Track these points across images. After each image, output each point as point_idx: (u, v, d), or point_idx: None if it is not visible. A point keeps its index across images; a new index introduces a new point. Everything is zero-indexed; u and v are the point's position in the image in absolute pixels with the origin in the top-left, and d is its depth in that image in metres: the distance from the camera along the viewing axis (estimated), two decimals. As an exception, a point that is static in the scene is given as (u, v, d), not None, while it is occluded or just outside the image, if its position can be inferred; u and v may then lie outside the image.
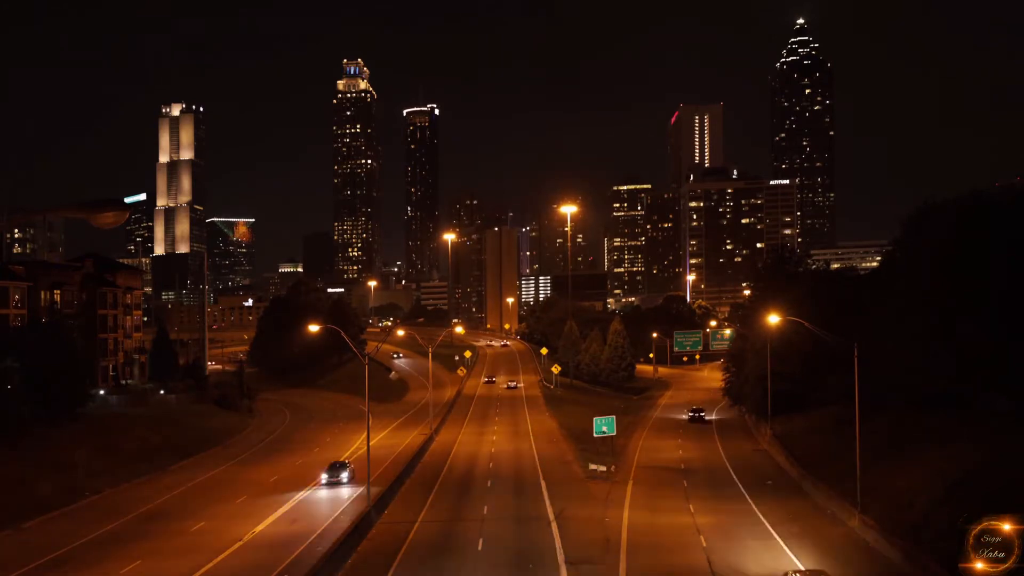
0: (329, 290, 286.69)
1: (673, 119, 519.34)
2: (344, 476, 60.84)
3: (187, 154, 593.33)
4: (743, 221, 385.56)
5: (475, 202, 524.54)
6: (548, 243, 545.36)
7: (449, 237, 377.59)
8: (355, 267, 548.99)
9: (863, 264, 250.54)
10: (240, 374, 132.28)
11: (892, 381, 54.81)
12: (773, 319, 60.65)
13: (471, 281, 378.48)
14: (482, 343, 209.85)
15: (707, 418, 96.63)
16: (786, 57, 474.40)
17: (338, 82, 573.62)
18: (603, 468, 63.93)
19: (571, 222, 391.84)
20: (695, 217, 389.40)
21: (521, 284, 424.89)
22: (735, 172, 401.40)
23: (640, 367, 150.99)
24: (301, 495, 58.17)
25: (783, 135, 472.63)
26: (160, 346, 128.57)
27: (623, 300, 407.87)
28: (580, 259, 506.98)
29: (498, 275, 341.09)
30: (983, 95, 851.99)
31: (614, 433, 69.95)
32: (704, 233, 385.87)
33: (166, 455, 76.24)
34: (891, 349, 53.25)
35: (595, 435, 68.62)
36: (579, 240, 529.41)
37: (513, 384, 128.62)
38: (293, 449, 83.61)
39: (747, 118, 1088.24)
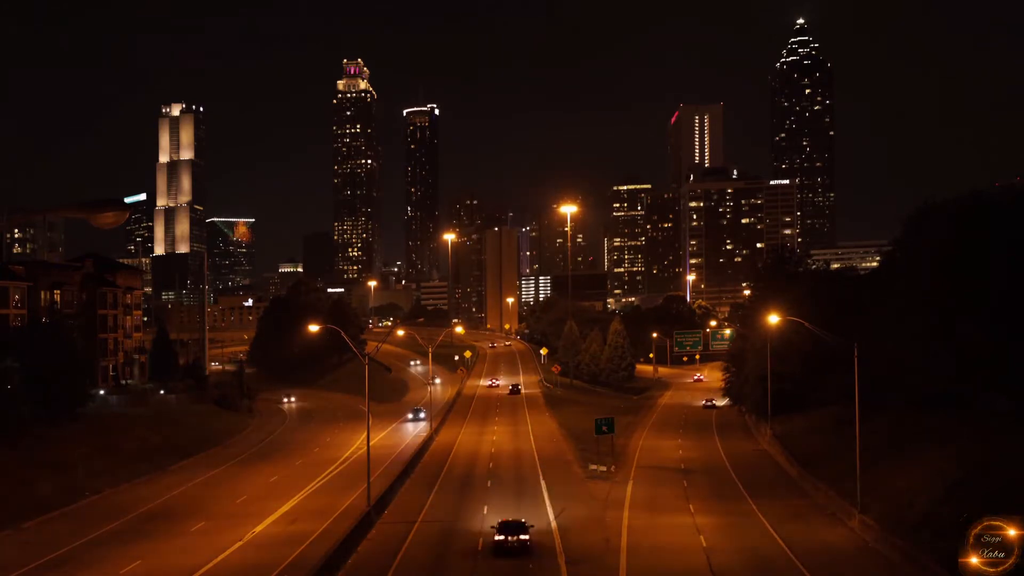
0: (329, 290, 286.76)
1: (673, 119, 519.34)
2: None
3: (187, 154, 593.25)
4: (743, 221, 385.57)
5: (475, 202, 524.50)
6: (548, 243, 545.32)
7: (449, 237, 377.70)
8: (355, 267, 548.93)
9: (863, 264, 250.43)
10: (240, 374, 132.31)
11: (892, 381, 54.81)
12: (773, 319, 60.66)
13: (471, 281, 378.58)
14: (484, 344, 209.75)
15: (718, 404, 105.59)
16: (786, 57, 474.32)
17: (338, 82, 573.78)
18: (603, 468, 63.94)
19: (571, 222, 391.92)
20: (695, 217, 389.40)
21: (521, 284, 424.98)
22: (735, 172, 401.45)
23: (640, 367, 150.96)
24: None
25: (783, 135, 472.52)
26: (160, 346, 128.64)
27: (623, 300, 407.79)
28: (580, 259, 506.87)
29: (498, 275, 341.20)
30: (983, 95, 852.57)
31: (614, 433, 70.00)
32: (704, 233, 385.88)
33: (166, 455, 76.24)
34: (891, 349, 53.24)
35: (595, 435, 68.63)
36: (579, 240, 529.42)
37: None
38: (293, 449, 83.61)
39: (747, 118, 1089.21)
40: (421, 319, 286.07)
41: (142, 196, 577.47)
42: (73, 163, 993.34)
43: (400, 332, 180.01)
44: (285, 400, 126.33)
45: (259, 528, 49.54)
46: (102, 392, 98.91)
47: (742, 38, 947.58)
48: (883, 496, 44.39)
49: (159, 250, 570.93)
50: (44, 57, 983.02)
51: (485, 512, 51.47)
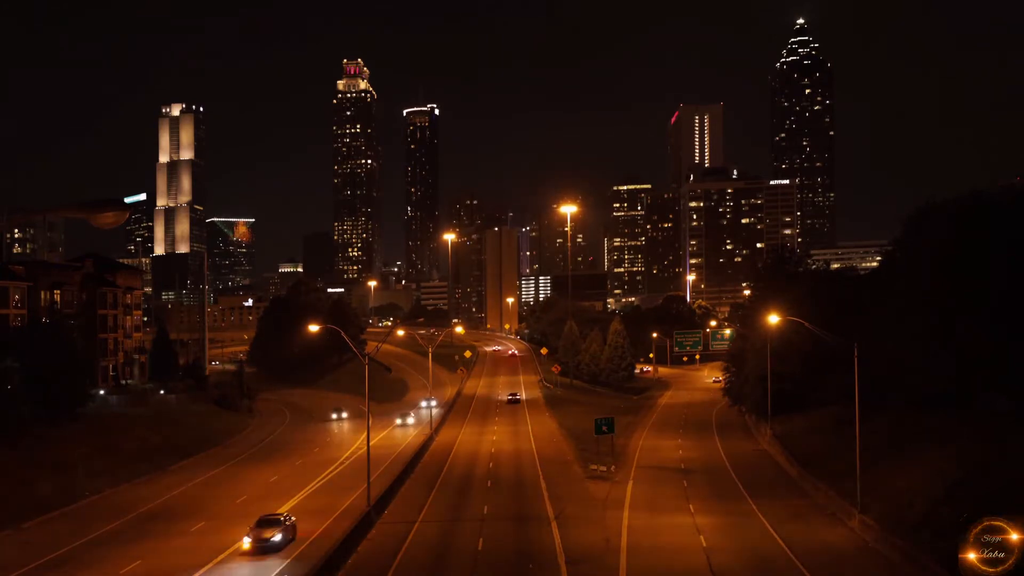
0: (329, 290, 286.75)
1: (673, 119, 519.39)
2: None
3: (187, 154, 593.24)
4: (743, 221, 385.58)
5: (475, 202, 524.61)
6: (548, 243, 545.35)
7: (449, 237, 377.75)
8: (355, 267, 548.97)
9: (863, 264, 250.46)
10: (240, 374, 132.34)
11: (892, 381, 54.80)
12: (773, 319, 60.64)
13: (471, 281, 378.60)
14: (484, 344, 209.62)
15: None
16: (786, 57, 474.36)
17: (338, 82, 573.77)
18: (603, 468, 63.93)
19: (571, 222, 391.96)
20: (695, 217, 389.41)
21: (521, 284, 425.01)
22: (735, 172, 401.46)
23: (640, 367, 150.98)
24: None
25: (783, 135, 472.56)
26: (160, 346, 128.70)
27: (623, 300, 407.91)
28: (580, 259, 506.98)
29: (498, 275, 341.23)
30: (983, 95, 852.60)
31: (614, 433, 69.99)
32: (704, 233, 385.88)
33: (166, 455, 76.25)
34: (891, 349, 53.23)
35: (595, 435, 68.64)
36: (579, 240, 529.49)
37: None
38: (293, 449, 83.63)
39: (747, 118, 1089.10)
40: (421, 319, 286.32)
41: (142, 196, 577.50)
42: (73, 163, 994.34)
43: (400, 332, 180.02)
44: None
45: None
46: (102, 392, 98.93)
47: (742, 38, 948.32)
48: (883, 496, 44.38)
49: (159, 250, 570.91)
50: (44, 57, 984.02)
51: (485, 512, 51.49)
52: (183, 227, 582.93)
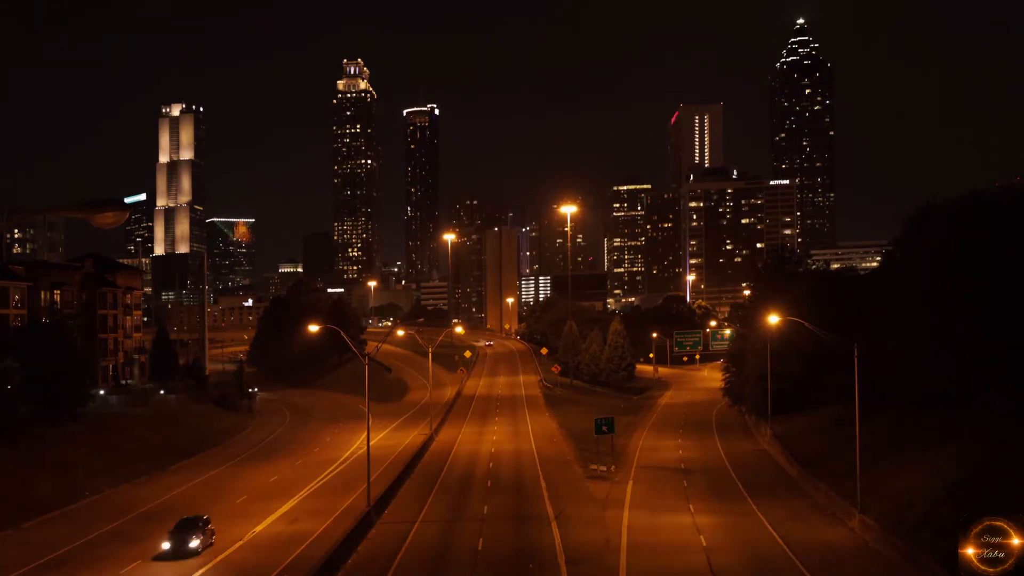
0: (329, 290, 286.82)
1: (673, 119, 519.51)
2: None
3: (187, 154, 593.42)
4: (743, 221, 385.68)
5: (475, 202, 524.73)
6: (548, 243, 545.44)
7: (449, 237, 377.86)
8: (355, 267, 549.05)
9: (863, 264, 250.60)
10: (240, 374, 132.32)
11: (892, 381, 54.78)
12: (773, 319, 60.62)
13: (471, 281, 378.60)
14: (484, 344, 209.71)
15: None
16: (786, 57, 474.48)
17: (338, 82, 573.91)
18: (603, 468, 63.93)
19: (571, 222, 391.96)
20: (695, 217, 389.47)
21: (521, 284, 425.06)
22: (735, 172, 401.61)
23: (640, 367, 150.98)
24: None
25: (783, 135, 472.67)
26: (160, 346, 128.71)
27: (623, 300, 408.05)
28: (580, 259, 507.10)
29: (498, 275, 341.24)
30: (983, 95, 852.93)
31: (614, 433, 69.98)
32: (704, 233, 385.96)
33: (166, 455, 76.24)
34: (891, 349, 53.22)
35: (595, 435, 68.63)
36: (579, 240, 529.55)
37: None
38: (293, 449, 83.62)
39: (747, 118, 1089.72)
40: (421, 319, 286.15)
41: (142, 196, 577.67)
42: (73, 163, 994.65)
43: (400, 332, 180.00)
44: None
45: (259, 528, 49.55)
46: (102, 392, 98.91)
47: (742, 38, 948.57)
48: (883, 496, 44.38)
49: (159, 250, 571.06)
50: (44, 57, 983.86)
51: (485, 512, 51.49)
52: (183, 227, 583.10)
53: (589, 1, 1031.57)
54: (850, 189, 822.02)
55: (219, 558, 43.03)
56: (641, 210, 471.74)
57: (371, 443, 57.23)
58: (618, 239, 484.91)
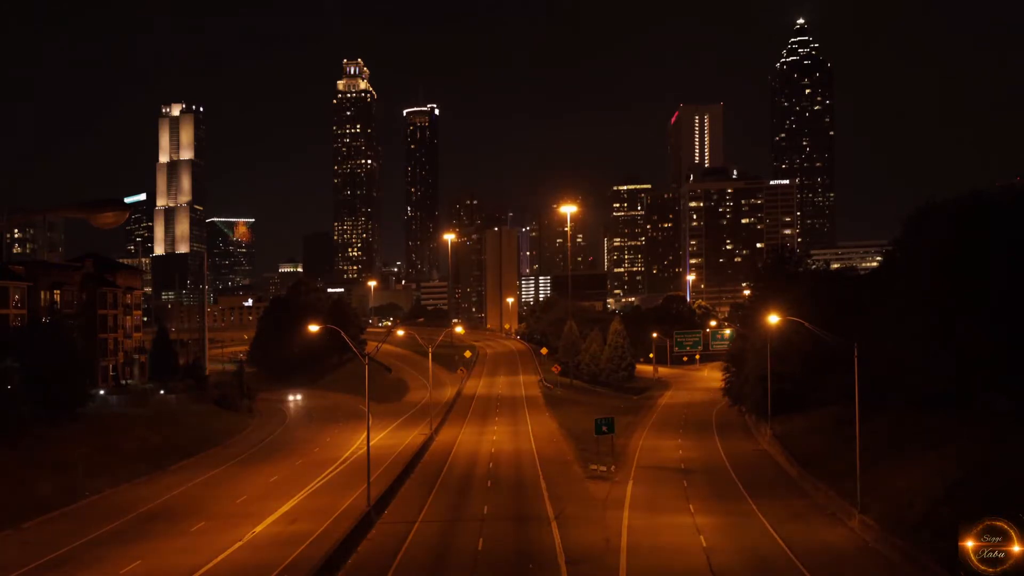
0: (329, 290, 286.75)
1: (673, 119, 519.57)
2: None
3: (187, 154, 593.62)
4: (743, 221, 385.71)
5: (475, 202, 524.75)
6: (548, 243, 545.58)
7: (449, 237, 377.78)
8: (355, 267, 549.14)
9: (863, 264, 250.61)
10: (240, 374, 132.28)
11: (892, 381, 54.77)
12: (773, 319, 60.61)
13: (471, 281, 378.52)
14: (484, 344, 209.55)
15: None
16: (786, 57, 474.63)
17: (338, 82, 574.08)
18: (603, 468, 63.91)
19: (571, 222, 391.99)
20: (695, 217, 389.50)
21: (521, 284, 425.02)
22: (735, 172, 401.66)
23: (640, 367, 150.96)
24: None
25: (783, 135, 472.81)
26: (160, 346, 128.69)
27: (623, 300, 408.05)
28: (580, 259, 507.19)
29: (498, 275, 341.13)
30: (983, 95, 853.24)
31: (614, 433, 69.97)
32: (704, 233, 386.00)
33: (166, 455, 76.23)
34: (891, 349, 53.21)
35: (595, 435, 68.61)
36: (579, 240, 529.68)
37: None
38: (293, 449, 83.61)
39: (747, 118, 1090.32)
40: (421, 319, 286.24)
41: (142, 196, 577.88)
42: (73, 163, 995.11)
43: (400, 332, 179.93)
44: (291, 397, 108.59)
45: (259, 528, 49.55)
46: (102, 392, 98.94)
47: (742, 38, 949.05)
48: (883, 496, 44.37)
49: (159, 250, 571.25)
50: (44, 57, 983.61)
51: (485, 512, 51.49)
52: (183, 227, 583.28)
53: (589, 1, 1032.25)
54: (850, 189, 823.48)
55: (219, 558, 43.04)
56: (641, 210, 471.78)
57: (371, 443, 57.22)
58: (618, 239, 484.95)
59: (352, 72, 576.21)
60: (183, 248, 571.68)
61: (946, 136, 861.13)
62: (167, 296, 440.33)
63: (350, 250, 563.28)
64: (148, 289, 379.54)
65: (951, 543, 30.61)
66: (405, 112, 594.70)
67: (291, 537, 46.92)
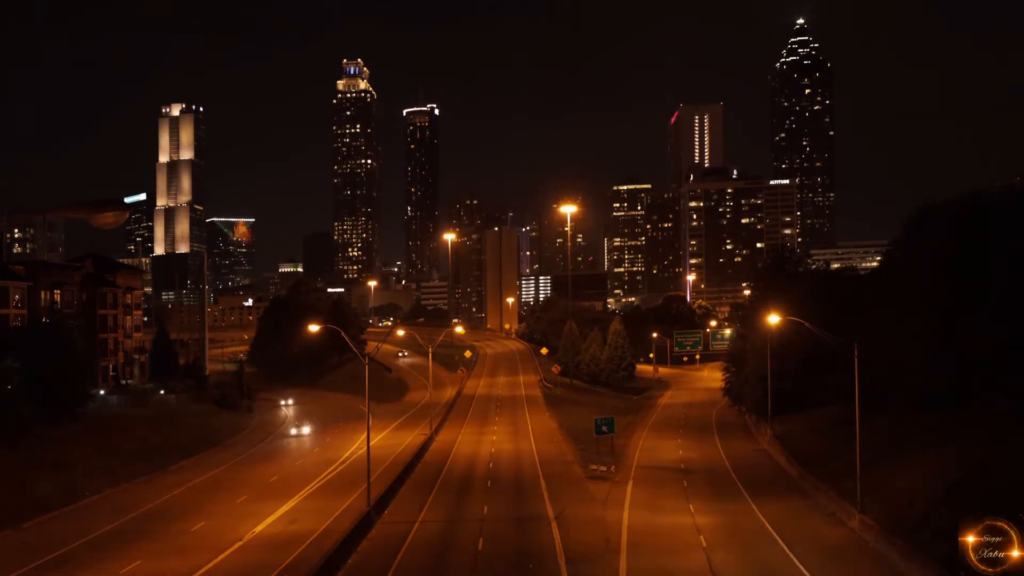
0: (329, 290, 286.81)
1: (673, 119, 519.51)
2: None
3: (187, 154, 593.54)
4: (743, 221, 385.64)
5: (475, 202, 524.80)
6: (548, 243, 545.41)
7: (449, 237, 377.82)
8: (355, 267, 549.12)
9: (863, 264, 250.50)
10: (240, 374, 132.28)
11: (892, 381, 54.76)
12: (773, 319, 60.60)
13: (471, 281, 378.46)
14: (484, 344, 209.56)
15: None
16: (786, 57, 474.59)
17: (338, 82, 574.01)
18: (603, 468, 63.91)
19: (571, 222, 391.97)
20: (695, 217, 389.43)
21: (521, 284, 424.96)
22: (735, 172, 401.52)
23: (640, 367, 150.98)
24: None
25: (783, 135, 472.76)
26: (160, 346, 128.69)
27: (623, 300, 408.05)
28: (580, 259, 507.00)
29: (498, 275, 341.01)
30: (983, 95, 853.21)
31: (614, 433, 69.97)
32: (704, 233, 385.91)
33: (166, 455, 76.25)
34: (891, 349, 53.19)
35: (595, 435, 68.62)
36: (579, 240, 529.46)
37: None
38: (293, 449, 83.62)
39: (747, 118, 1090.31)
40: (421, 319, 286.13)
41: (142, 196, 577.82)
42: (73, 163, 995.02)
43: (400, 332, 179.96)
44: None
45: (259, 528, 49.55)
46: (102, 392, 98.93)
47: (742, 38, 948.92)
48: (883, 496, 44.36)
49: (159, 250, 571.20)
50: (44, 57, 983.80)
51: (485, 512, 51.48)
52: (183, 227, 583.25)
53: (589, 1, 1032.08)
54: (850, 189, 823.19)
55: (219, 558, 43.05)
56: (641, 210, 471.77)
57: (371, 443, 57.23)
58: (618, 239, 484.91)
59: (352, 72, 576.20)
60: (183, 248, 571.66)
61: (946, 136, 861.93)
62: (167, 296, 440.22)
63: (350, 250, 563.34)
64: (148, 289, 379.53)
65: (951, 543, 30.59)
66: (405, 112, 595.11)
67: (291, 537, 46.92)
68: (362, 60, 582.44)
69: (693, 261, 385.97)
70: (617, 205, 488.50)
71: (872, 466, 47.42)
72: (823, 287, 79.01)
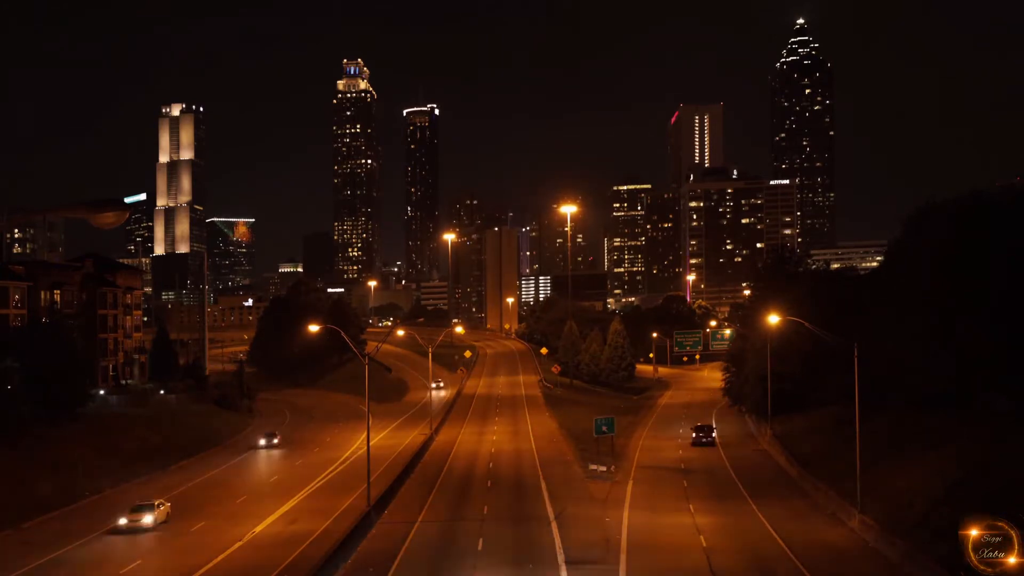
0: (329, 290, 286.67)
1: (673, 119, 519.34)
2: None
3: (187, 154, 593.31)
4: (743, 221, 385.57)
5: (475, 202, 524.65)
6: (548, 243, 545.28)
7: (449, 237, 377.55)
8: (355, 267, 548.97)
9: (863, 264, 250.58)
10: (240, 374, 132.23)
11: (892, 381, 54.79)
12: (773, 319, 60.64)
13: (471, 281, 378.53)
14: (484, 344, 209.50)
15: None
16: (786, 57, 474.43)
17: (338, 82, 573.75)
18: (603, 468, 63.93)
19: (571, 222, 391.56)
20: (695, 217, 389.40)
21: (521, 284, 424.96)
22: (735, 172, 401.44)
23: (640, 367, 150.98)
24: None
25: (783, 135, 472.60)
26: (160, 346, 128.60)
27: (623, 300, 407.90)
28: (580, 259, 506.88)
29: (498, 275, 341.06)
30: (983, 95, 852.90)
31: (614, 433, 69.99)
32: (704, 233, 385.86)
33: (166, 455, 76.23)
34: (891, 349, 53.23)
35: (595, 435, 68.63)
36: (579, 240, 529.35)
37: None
38: (293, 449, 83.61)
39: (747, 118, 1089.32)
40: (421, 319, 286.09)
41: (142, 196, 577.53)
42: (73, 163, 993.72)
43: (400, 332, 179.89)
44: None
45: (259, 528, 49.55)
46: (102, 392, 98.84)
47: (742, 38, 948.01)
48: (883, 496, 44.39)
49: (159, 250, 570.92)
50: (44, 57, 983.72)
51: (485, 512, 51.48)
52: (183, 227, 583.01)
53: (589, 1, 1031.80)
54: (850, 189, 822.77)
55: (219, 558, 43.05)
56: (641, 210, 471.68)
57: (371, 443, 57.25)
58: (618, 239, 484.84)
59: (352, 72, 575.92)
60: (183, 248, 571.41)
61: (946, 136, 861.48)
62: (167, 296, 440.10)
63: (350, 250, 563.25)
64: (148, 289, 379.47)
65: (951, 543, 30.62)
66: (405, 112, 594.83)
67: (291, 537, 46.93)
68: (362, 60, 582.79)
69: (693, 261, 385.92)
70: (617, 205, 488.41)
71: (872, 466, 47.44)
72: (823, 287, 79.04)
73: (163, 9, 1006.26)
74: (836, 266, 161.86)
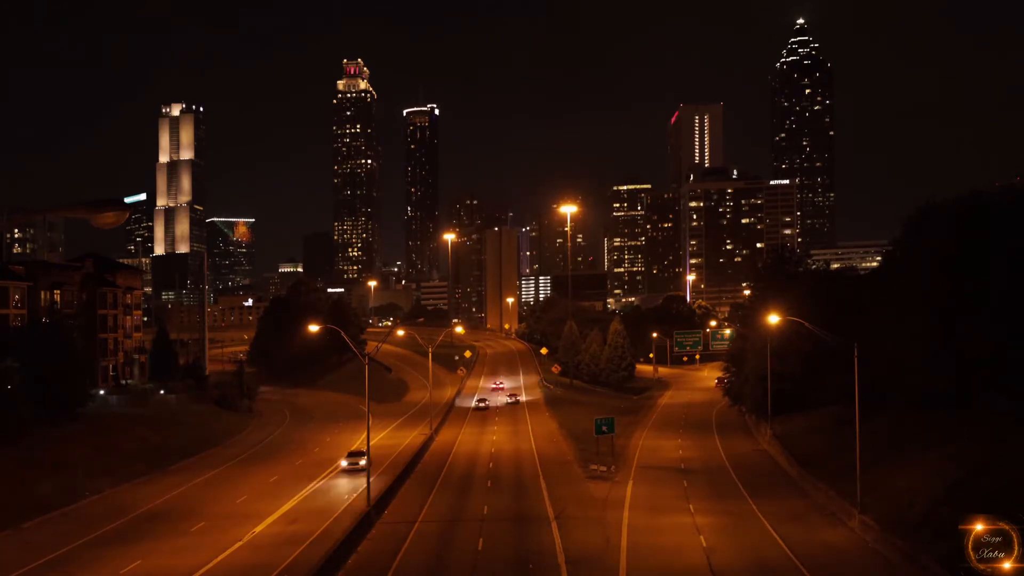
0: (329, 290, 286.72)
1: (673, 119, 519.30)
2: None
3: (187, 154, 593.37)
4: (743, 221, 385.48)
5: (475, 202, 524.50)
6: (548, 243, 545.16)
7: (449, 237, 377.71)
8: (355, 267, 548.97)
9: (863, 264, 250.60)
10: (240, 374, 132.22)
11: (892, 381, 54.80)
12: (773, 319, 60.61)
13: (471, 281, 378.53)
14: (484, 344, 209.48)
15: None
16: (786, 57, 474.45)
17: (338, 82, 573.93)
18: (603, 468, 63.94)
19: (571, 222, 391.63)
20: (695, 217, 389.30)
21: (521, 284, 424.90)
22: (735, 172, 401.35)
23: (640, 367, 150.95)
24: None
25: (783, 135, 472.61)
26: (160, 346, 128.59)
27: (623, 300, 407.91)
28: (580, 259, 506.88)
29: (498, 275, 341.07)
30: (983, 95, 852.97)
31: (614, 433, 69.98)
32: (704, 233, 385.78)
33: (166, 455, 76.23)
34: (891, 349, 53.23)
35: (595, 435, 68.62)
36: (579, 240, 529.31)
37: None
38: (293, 449, 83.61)
39: (747, 118, 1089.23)
40: (421, 319, 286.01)
41: (142, 196, 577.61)
42: (73, 163, 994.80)
43: (400, 332, 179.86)
44: None
45: (259, 528, 49.54)
46: (102, 392, 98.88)
47: (742, 38, 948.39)
48: (883, 496, 44.38)
49: (159, 250, 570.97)
50: (44, 57, 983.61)
51: (485, 512, 51.48)
52: (183, 227, 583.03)
53: (589, 1, 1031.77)
54: (850, 189, 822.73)
55: (219, 558, 43.04)
56: (641, 210, 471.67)
57: (371, 443, 57.23)
58: (618, 239, 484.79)
59: (352, 72, 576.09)
60: (183, 248, 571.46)
61: (946, 136, 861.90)
62: (167, 296, 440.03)
63: (350, 250, 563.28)
64: (148, 289, 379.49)
65: (951, 543, 30.61)
66: (405, 112, 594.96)
67: (291, 537, 46.90)
68: (362, 60, 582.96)
69: (693, 261, 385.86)
70: (617, 205, 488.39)
71: (872, 466, 47.44)
72: (823, 287, 79.02)
73: (163, 9, 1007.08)
74: (836, 266, 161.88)
